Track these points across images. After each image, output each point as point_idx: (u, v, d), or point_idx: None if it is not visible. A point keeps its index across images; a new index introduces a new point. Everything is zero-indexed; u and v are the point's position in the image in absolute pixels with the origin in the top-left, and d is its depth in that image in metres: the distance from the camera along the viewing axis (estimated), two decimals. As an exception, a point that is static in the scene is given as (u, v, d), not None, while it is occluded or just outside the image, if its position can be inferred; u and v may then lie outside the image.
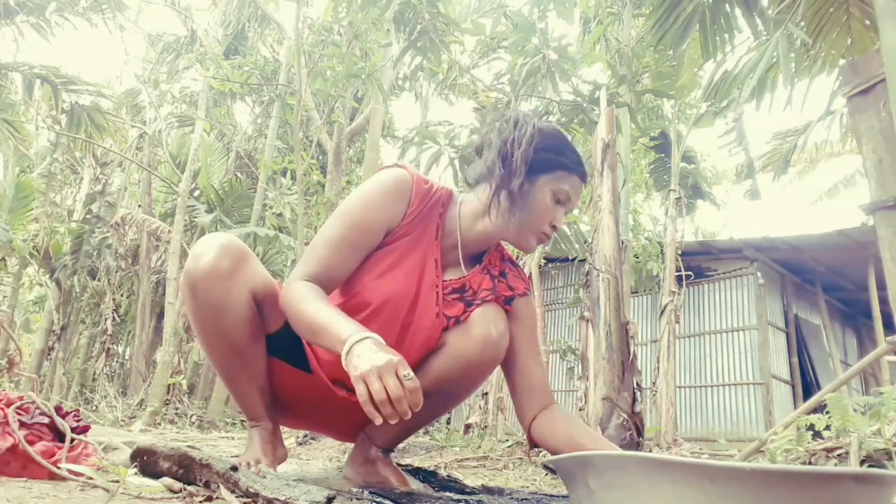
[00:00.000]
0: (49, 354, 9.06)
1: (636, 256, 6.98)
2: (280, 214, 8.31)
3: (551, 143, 1.28)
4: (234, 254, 1.23)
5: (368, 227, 1.24)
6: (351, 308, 1.27)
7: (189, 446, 1.15)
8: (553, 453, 1.29)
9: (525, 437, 1.38)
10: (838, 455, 2.10)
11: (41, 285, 11.09)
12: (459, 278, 1.33)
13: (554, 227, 1.29)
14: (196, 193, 8.84)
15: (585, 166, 1.31)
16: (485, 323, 1.29)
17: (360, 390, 0.95)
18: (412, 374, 0.97)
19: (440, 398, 1.33)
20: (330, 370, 1.31)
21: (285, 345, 1.29)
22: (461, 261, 1.34)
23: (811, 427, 2.43)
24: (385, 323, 1.27)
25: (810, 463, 2.15)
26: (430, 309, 1.29)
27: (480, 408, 6.65)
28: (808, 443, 2.31)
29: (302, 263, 1.22)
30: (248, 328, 1.26)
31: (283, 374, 1.34)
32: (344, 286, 1.30)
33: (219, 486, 1.02)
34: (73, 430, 1.26)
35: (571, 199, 1.30)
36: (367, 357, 0.96)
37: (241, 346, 1.27)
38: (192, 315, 1.26)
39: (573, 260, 8.00)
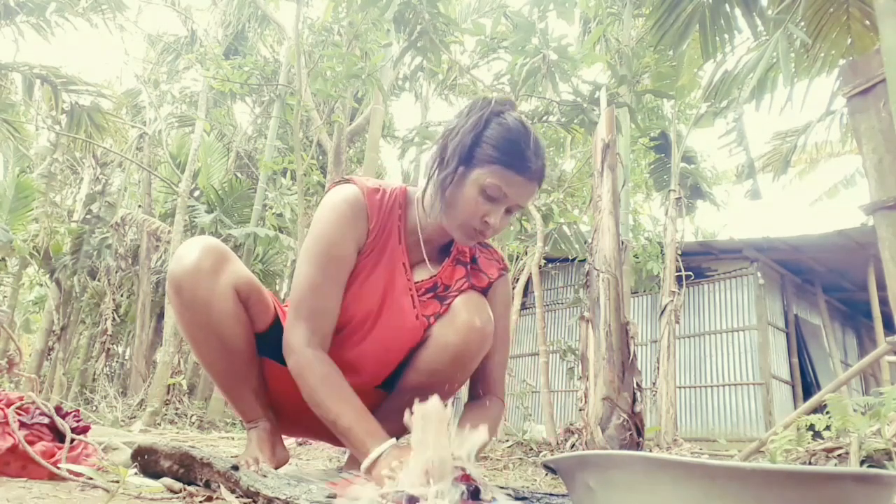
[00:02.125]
0: (49, 355, 9.06)
1: (636, 256, 6.98)
2: (280, 214, 8.31)
3: (496, 134, 1.19)
4: (216, 253, 1.26)
5: (342, 257, 1.24)
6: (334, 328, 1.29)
7: (189, 446, 1.15)
8: None
9: (522, 436, 1.39)
10: (838, 455, 2.10)
11: (41, 285, 11.10)
12: (430, 278, 1.34)
13: (488, 224, 1.21)
14: (196, 193, 8.84)
15: (535, 162, 1.20)
16: (468, 311, 1.29)
17: None
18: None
19: (432, 391, 1.34)
20: None
21: (273, 343, 1.30)
22: (429, 257, 1.34)
23: (811, 427, 2.43)
24: (367, 336, 1.29)
25: (810, 463, 2.15)
26: (408, 313, 1.30)
27: (480, 408, 6.64)
28: (809, 443, 2.31)
29: (300, 319, 1.20)
30: (236, 323, 1.28)
31: (273, 372, 1.35)
32: None
33: (219, 486, 1.03)
34: (73, 430, 1.26)
35: (508, 196, 1.19)
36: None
37: (230, 341, 1.28)
38: (180, 315, 1.28)
39: (573, 260, 8.01)
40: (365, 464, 1.07)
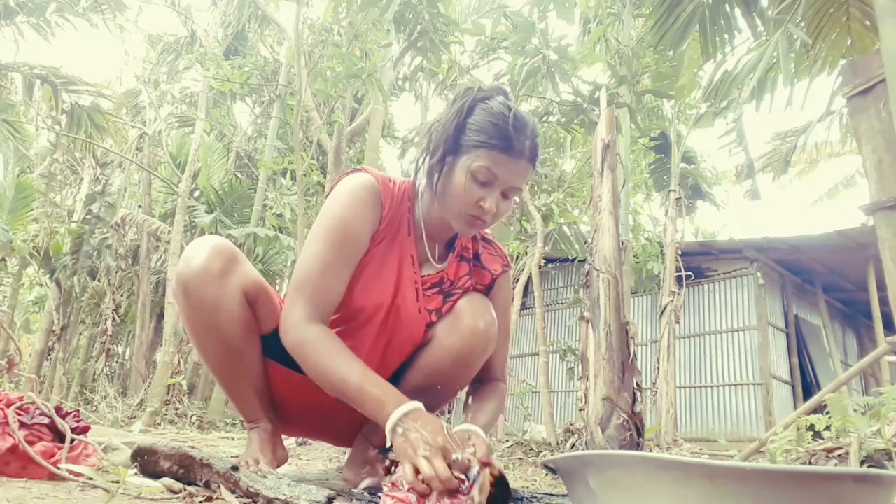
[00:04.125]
0: (49, 355, 9.06)
1: (636, 257, 6.98)
2: (280, 215, 8.32)
3: (479, 119, 1.18)
4: (225, 255, 1.25)
5: (355, 240, 1.22)
6: (341, 319, 1.28)
7: (189, 446, 1.15)
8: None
9: (522, 436, 1.39)
10: (838, 455, 2.10)
11: (41, 286, 11.10)
12: (437, 273, 1.33)
13: (483, 209, 1.18)
14: (196, 194, 8.84)
15: (521, 141, 1.17)
16: (472, 314, 1.29)
17: (407, 470, 0.94)
18: (461, 454, 0.96)
19: (434, 392, 1.34)
20: None
21: (279, 345, 1.29)
22: (435, 250, 1.33)
23: (811, 427, 2.44)
24: (374, 328, 1.28)
25: (810, 463, 2.15)
26: (412, 305, 1.30)
27: (480, 408, 6.65)
28: (809, 443, 2.31)
29: (301, 296, 1.17)
30: (242, 327, 1.27)
31: (277, 375, 1.34)
32: None
33: (219, 486, 1.03)
34: (73, 430, 1.26)
35: (499, 178, 1.17)
36: (415, 438, 0.98)
37: (236, 345, 1.27)
38: (186, 316, 1.26)
39: (573, 260, 8.01)
40: (390, 423, 1.02)
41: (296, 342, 1.15)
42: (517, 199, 5.83)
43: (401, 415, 1.02)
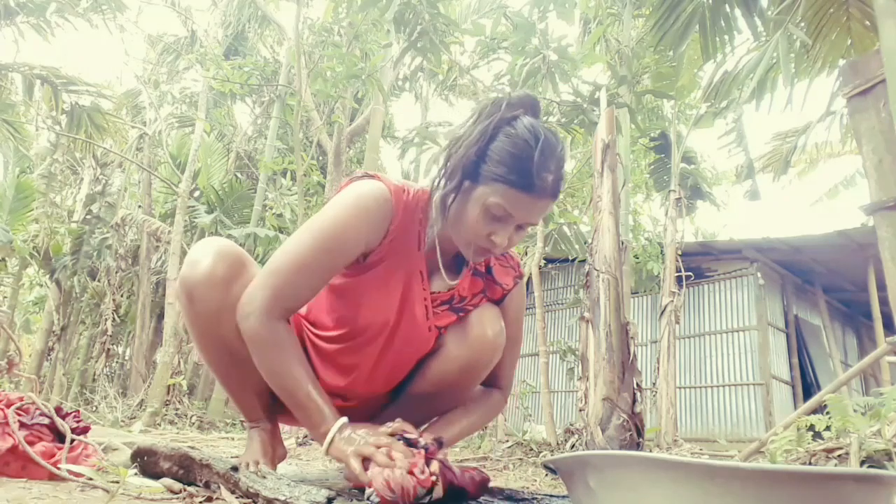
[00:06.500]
0: (49, 355, 9.07)
1: (636, 257, 6.98)
2: (280, 215, 8.31)
3: (501, 148, 1.10)
4: (230, 260, 1.22)
5: (343, 250, 1.17)
6: (344, 336, 1.26)
7: (189, 447, 1.15)
8: None
9: (522, 436, 1.39)
10: (838, 456, 2.10)
11: (41, 286, 11.10)
12: (448, 290, 1.29)
13: (494, 243, 1.14)
14: (196, 194, 8.85)
15: (544, 179, 1.10)
16: (480, 324, 1.27)
17: (354, 465, 1.03)
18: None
19: (439, 399, 1.34)
20: (323, 378, 1.31)
21: None
22: (447, 266, 1.29)
23: (811, 428, 2.43)
24: (378, 345, 1.27)
25: (810, 463, 2.15)
26: (421, 323, 1.27)
27: (480, 408, 6.63)
28: (809, 443, 2.31)
29: (270, 285, 1.14)
30: None
31: None
32: (333, 314, 1.27)
33: (219, 487, 1.03)
34: (73, 430, 1.26)
35: (514, 216, 1.12)
36: (358, 439, 1.08)
37: (240, 350, 1.25)
38: (190, 321, 1.25)
39: (573, 260, 8.01)
40: (332, 432, 1.10)
41: (257, 333, 1.14)
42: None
43: (340, 425, 1.10)
